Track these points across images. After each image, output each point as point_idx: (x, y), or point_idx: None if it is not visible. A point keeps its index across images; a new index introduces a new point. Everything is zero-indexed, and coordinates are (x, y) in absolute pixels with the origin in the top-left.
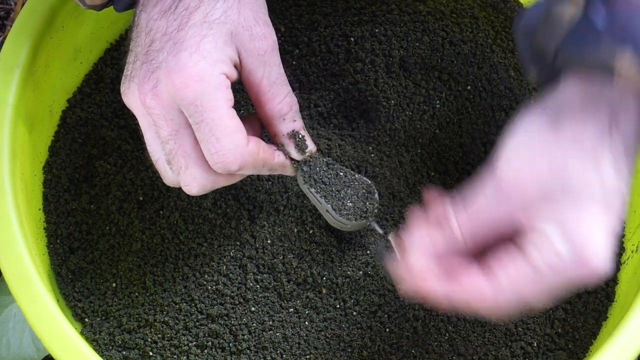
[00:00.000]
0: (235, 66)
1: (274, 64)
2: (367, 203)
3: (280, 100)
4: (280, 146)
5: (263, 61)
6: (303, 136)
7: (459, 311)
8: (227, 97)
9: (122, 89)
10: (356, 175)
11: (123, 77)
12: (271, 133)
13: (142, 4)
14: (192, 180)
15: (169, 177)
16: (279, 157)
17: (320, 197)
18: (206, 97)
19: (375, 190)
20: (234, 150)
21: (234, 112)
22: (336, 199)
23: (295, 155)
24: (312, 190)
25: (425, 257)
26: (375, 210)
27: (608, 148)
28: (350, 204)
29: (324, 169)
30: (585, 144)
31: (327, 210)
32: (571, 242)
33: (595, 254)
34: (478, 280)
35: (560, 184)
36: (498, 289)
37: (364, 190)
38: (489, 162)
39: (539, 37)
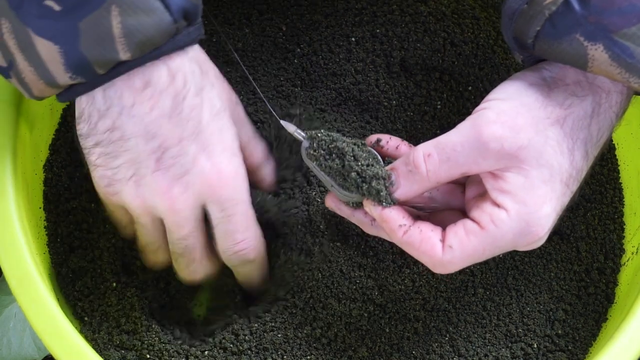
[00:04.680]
0: None
1: (248, 123)
2: (373, 170)
3: (259, 152)
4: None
5: (242, 123)
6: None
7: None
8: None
9: (117, 191)
10: (359, 143)
11: (110, 180)
12: (257, 178)
13: (119, 105)
14: (202, 270)
15: (160, 262)
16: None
17: (324, 172)
18: (241, 190)
19: (381, 159)
20: (256, 240)
21: None
22: (339, 173)
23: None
24: (315, 164)
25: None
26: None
27: (584, 135)
28: (354, 175)
29: (328, 142)
30: (565, 127)
31: (332, 185)
32: (524, 204)
33: (541, 223)
34: (435, 245)
35: (537, 154)
36: (450, 256)
37: (369, 161)
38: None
39: (520, 21)
